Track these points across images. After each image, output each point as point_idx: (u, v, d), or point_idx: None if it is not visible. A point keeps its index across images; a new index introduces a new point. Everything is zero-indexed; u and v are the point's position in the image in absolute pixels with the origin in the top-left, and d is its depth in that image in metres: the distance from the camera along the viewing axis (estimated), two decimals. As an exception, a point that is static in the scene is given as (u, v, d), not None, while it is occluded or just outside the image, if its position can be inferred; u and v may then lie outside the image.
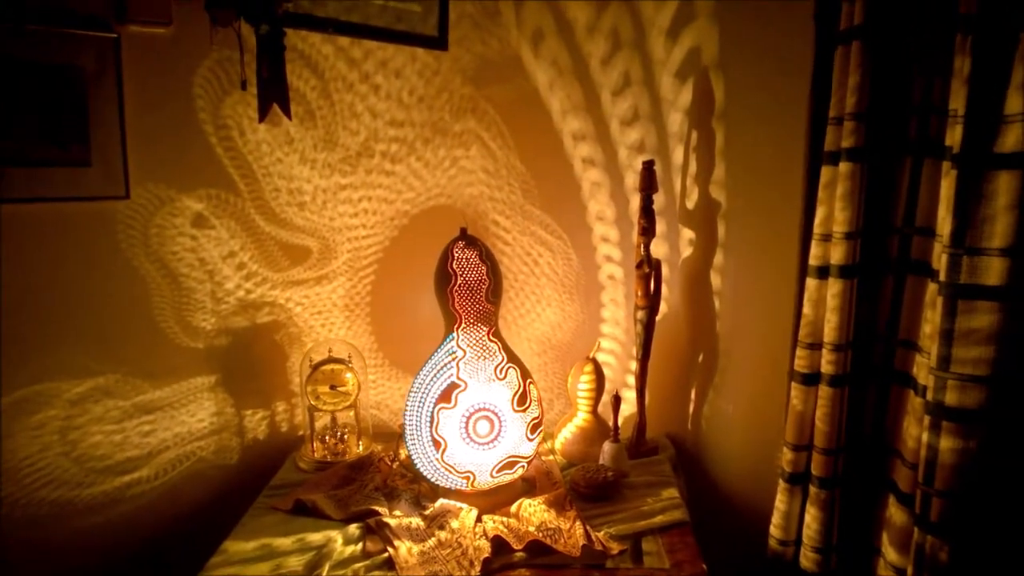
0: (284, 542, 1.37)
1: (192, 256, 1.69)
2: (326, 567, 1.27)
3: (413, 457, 1.46)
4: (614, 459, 1.55)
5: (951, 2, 1.10)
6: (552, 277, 1.88)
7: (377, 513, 1.43)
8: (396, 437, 1.76)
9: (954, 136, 1.08)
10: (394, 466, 1.65)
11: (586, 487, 1.48)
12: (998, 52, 1.04)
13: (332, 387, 1.70)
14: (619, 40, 1.72)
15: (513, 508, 1.44)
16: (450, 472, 1.43)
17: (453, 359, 1.44)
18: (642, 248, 1.60)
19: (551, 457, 1.68)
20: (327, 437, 1.74)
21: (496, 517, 1.41)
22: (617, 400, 1.58)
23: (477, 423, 1.42)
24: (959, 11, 1.08)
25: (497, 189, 1.85)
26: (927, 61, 1.18)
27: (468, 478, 1.44)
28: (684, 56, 1.65)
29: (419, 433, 1.44)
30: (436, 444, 1.42)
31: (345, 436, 1.75)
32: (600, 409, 1.70)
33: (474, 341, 1.44)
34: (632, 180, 1.77)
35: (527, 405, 1.46)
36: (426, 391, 1.44)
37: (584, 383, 1.65)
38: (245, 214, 1.75)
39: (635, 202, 1.76)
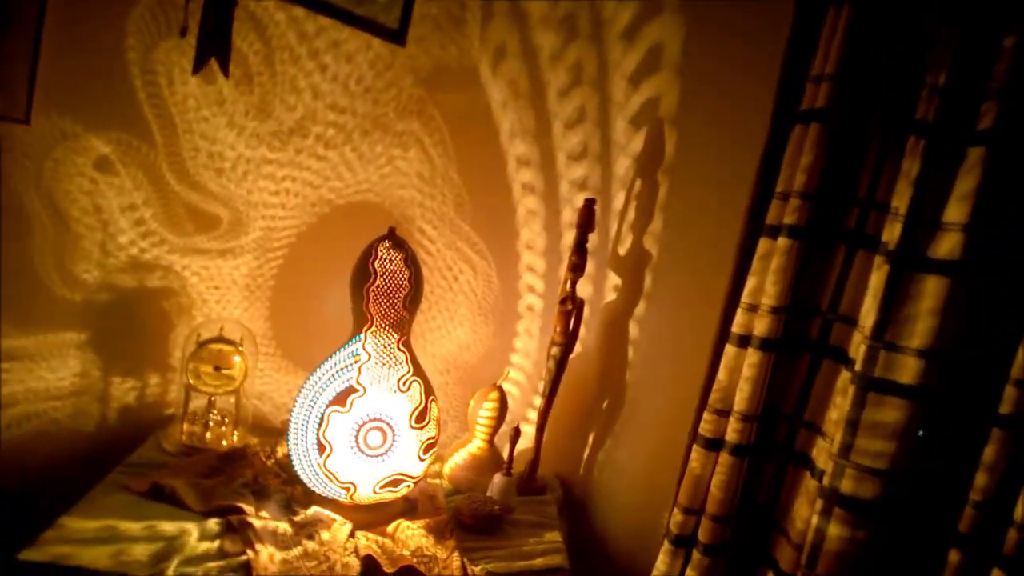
0: (132, 527, 1.24)
1: (87, 200, 1.54)
2: (175, 561, 1.15)
3: (292, 457, 1.36)
4: (503, 493, 1.50)
5: (909, 107, 1.13)
6: (470, 296, 1.82)
7: (242, 511, 1.32)
8: (276, 433, 1.64)
9: (892, 233, 1.10)
10: (269, 463, 1.54)
11: (470, 518, 1.42)
12: (946, 161, 1.07)
13: (217, 368, 1.58)
14: (581, 75, 1.71)
15: (390, 528, 1.37)
16: (330, 480, 1.34)
17: (356, 361, 1.35)
18: (569, 284, 1.57)
19: (437, 481, 1.61)
20: (200, 421, 1.61)
21: (371, 535, 1.33)
22: (517, 433, 1.53)
23: (369, 433, 1.34)
24: (915, 116, 1.12)
25: (429, 197, 1.79)
26: (878, 157, 1.21)
27: (349, 489, 1.35)
28: (642, 103, 1.65)
29: (304, 433, 1.34)
30: (321, 448, 1.33)
31: (221, 423, 1.63)
32: (496, 439, 1.65)
33: (382, 347, 1.37)
34: (569, 215, 1.75)
35: (425, 423, 1.39)
36: (320, 390, 1.35)
37: (487, 410, 1.59)
38: (155, 168, 1.61)
39: (568, 237, 1.74)
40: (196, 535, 1.24)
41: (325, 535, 1.29)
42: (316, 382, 1.36)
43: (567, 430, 1.75)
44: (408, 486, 1.40)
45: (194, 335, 1.61)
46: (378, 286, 1.33)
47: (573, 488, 1.76)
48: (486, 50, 1.72)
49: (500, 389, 1.62)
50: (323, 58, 1.68)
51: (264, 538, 1.25)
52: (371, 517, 1.38)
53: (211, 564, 1.17)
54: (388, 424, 1.35)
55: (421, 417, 1.38)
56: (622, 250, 1.68)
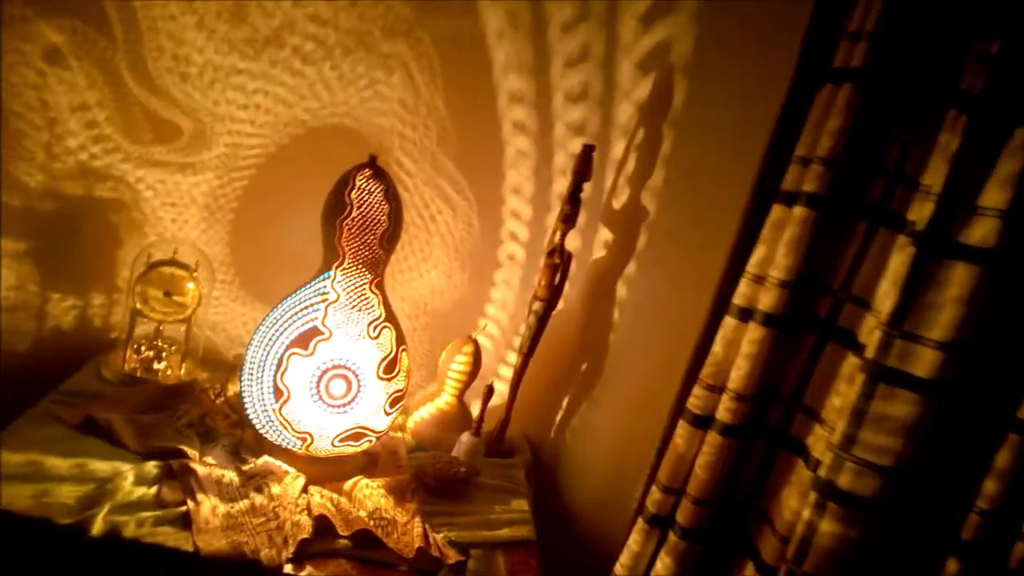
0: (60, 464, 1.13)
1: (33, 95, 1.37)
2: (105, 507, 1.04)
3: (245, 399, 1.25)
4: (469, 454, 1.41)
5: (953, 76, 1.03)
6: (447, 239, 1.70)
7: (184, 455, 1.21)
8: (228, 369, 1.52)
9: (921, 212, 1.01)
10: (218, 401, 1.42)
11: (434, 479, 1.33)
12: (989, 140, 0.97)
13: (167, 294, 1.44)
14: (587, 10, 1.56)
15: (347, 486, 1.27)
16: (285, 428, 1.23)
17: (323, 301, 1.23)
18: (558, 236, 1.46)
19: (400, 435, 1.51)
20: (144, 348, 1.48)
21: (326, 492, 1.23)
22: (490, 391, 1.44)
23: (332, 381, 1.23)
24: (959, 86, 1.01)
25: (411, 127, 1.65)
26: (912, 128, 1.11)
27: (305, 440, 1.24)
28: (652, 47, 1.52)
29: (259, 374, 1.22)
30: (277, 393, 1.21)
31: (166, 353, 1.50)
32: (466, 396, 1.55)
33: (353, 287, 1.25)
34: (562, 160, 1.62)
35: (394, 374, 1.28)
36: (281, 329, 1.23)
37: (459, 363, 1.49)
38: (113, 66, 1.44)
39: (559, 184, 1.62)
40: (131, 478, 1.12)
41: (275, 488, 1.19)
42: (276, 320, 1.23)
43: (541, 390, 1.66)
44: (370, 441, 1.30)
45: (144, 255, 1.46)
46: (353, 219, 1.20)
47: (542, 451, 1.68)
48: (486, -28, 1.57)
49: (475, 342, 1.51)
50: (308, -39, 1.51)
51: (207, 487, 1.14)
52: (327, 471, 1.28)
53: (146, 514, 1.06)
54: (353, 372, 1.23)
55: (390, 368, 1.27)
56: (617, 204, 1.57)
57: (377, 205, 1.21)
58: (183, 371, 1.50)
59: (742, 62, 1.33)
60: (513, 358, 1.58)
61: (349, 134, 1.62)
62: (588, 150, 1.42)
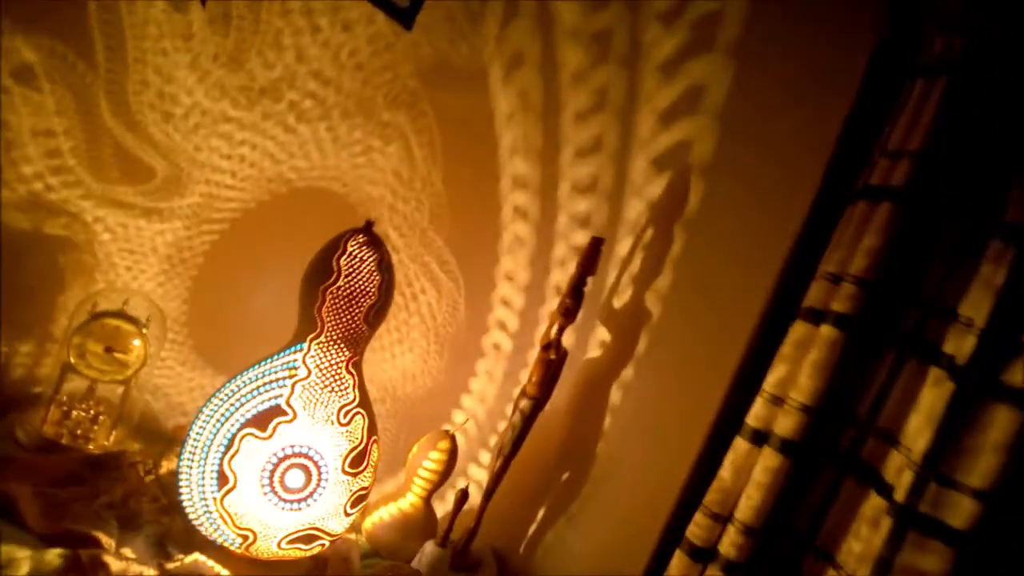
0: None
1: (-9, 112, 1.23)
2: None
3: (181, 481, 1.07)
4: (432, 567, 1.23)
5: (999, 204, 0.97)
6: (427, 320, 1.57)
7: (98, 543, 1.02)
8: (165, 442, 1.34)
9: (960, 346, 0.93)
10: (147, 478, 1.23)
11: (391, 595, 1.15)
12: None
13: (108, 350, 1.27)
14: (604, 101, 1.51)
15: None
16: (225, 521, 1.05)
17: (291, 376, 1.08)
18: (556, 330, 1.34)
19: (353, 536, 1.32)
20: (72, 411, 1.29)
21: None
22: (464, 497, 1.28)
23: (289, 471, 1.06)
24: (1005, 217, 0.96)
25: (403, 200, 1.55)
26: (951, 254, 1.04)
27: (247, 538, 1.06)
28: (670, 145, 1.45)
29: (203, 454, 1.05)
30: (222, 479, 1.04)
31: (97, 417, 1.31)
32: (434, 498, 1.38)
33: (327, 364, 1.10)
34: (562, 251, 1.52)
35: (361, 468, 1.12)
36: (237, 404, 1.07)
37: (432, 462, 1.32)
38: (90, 94, 1.32)
39: (557, 275, 1.51)
40: (26, 568, 0.92)
41: None
42: (233, 392, 1.07)
43: (513, 498, 1.49)
44: (322, 545, 1.12)
45: (89, 303, 1.30)
46: (339, 287, 1.07)
47: (508, 568, 1.50)
48: (501, 54, 1.51)
49: (452, 439, 1.36)
50: (318, 19, 1.44)
51: None
52: None
53: (40, 616, 0.86)
54: (315, 463, 1.07)
55: (358, 461, 1.11)
56: (618, 303, 1.46)
57: (368, 275, 1.08)
58: (111, 440, 1.31)
59: (765, 170, 1.27)
60: (486, 458, 1.42)
61: (336, 199, 1.51)
62: (596, 243, 1.33)
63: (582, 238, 1.42)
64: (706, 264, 1.32)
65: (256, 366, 1.10)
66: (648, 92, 1.48)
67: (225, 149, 1.44)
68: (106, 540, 1.02)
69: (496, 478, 1.33)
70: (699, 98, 1.41)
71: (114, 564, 0.97)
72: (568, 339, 1.49)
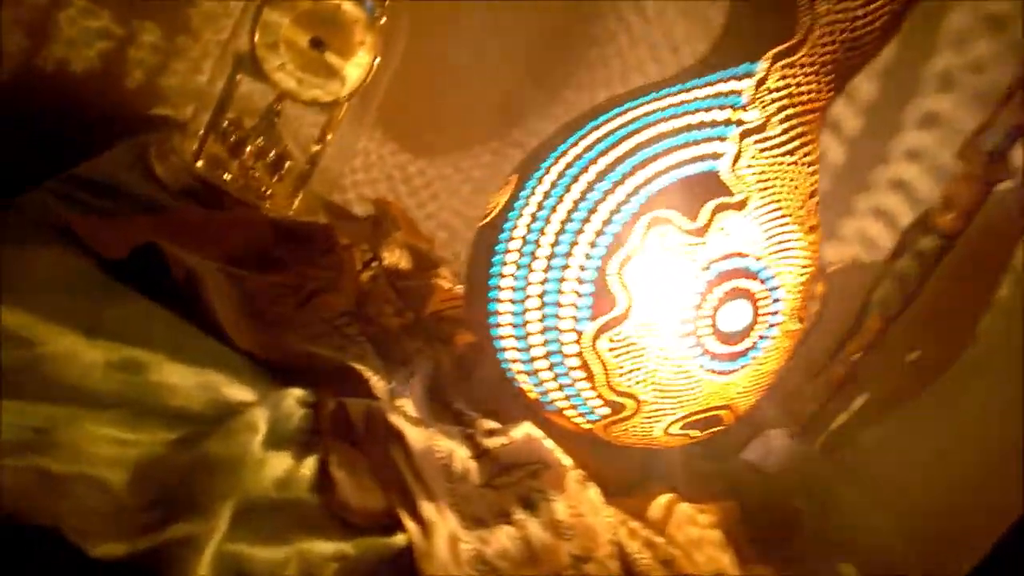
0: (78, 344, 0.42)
1: None
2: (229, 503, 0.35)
3: (497, 291, 0.56)
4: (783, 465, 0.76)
5: None
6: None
7: (366, 386, 0.52)
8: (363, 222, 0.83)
9: None
10: (364, 275, 0.73)
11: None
12: None
13: (317, 44, 0.72)
14: None
15: (654, 510, 0.60)
16: (589, 376, 0.54)
17: (732, 122, 0.54)
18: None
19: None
20: (246, 141, 0.76)
21: (633, 523, 0.57)
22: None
23: (727, 301, 0.54)
24: None
25: None
26: None
27: (619, 409, 0.56)
28: None
29: (557, 244, 0.53)
30: (601, 299, 0.52)
31: (281, 160, 0.78)
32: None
33: (796, 109, 0.56)
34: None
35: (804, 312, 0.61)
36: (631, 156, 0.54)
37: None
38: None
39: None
40: (262, 429, 0.43)
41: (558, 507, 0.51)
42: (617, 131, 0.54)
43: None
44: (718, 431, 0.62)
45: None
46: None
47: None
48: None
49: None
50: None
51: (432, 485, 0.46)
52: (604, 468, 0.61)
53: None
54: (764, 292, 0.55)
55: (806, 296, 0.60)
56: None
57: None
58: (296, 201, 0.79)
59: None
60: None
61: None
62: None
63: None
64: None
65: (662, 87, 0.56)
66: None
67: None
68: (376, 382, 0.52)
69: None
70: None
71: (410, 434, 0.48)
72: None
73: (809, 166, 0.58)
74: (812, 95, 0.57)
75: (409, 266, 0.81)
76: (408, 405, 0.53)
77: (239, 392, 0.46)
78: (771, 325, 0.56)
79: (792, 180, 0.56)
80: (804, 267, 0.58)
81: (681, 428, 0.58)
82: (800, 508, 0.75)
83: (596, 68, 0.98)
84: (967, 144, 0.91)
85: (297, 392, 0.48)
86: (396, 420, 0.48)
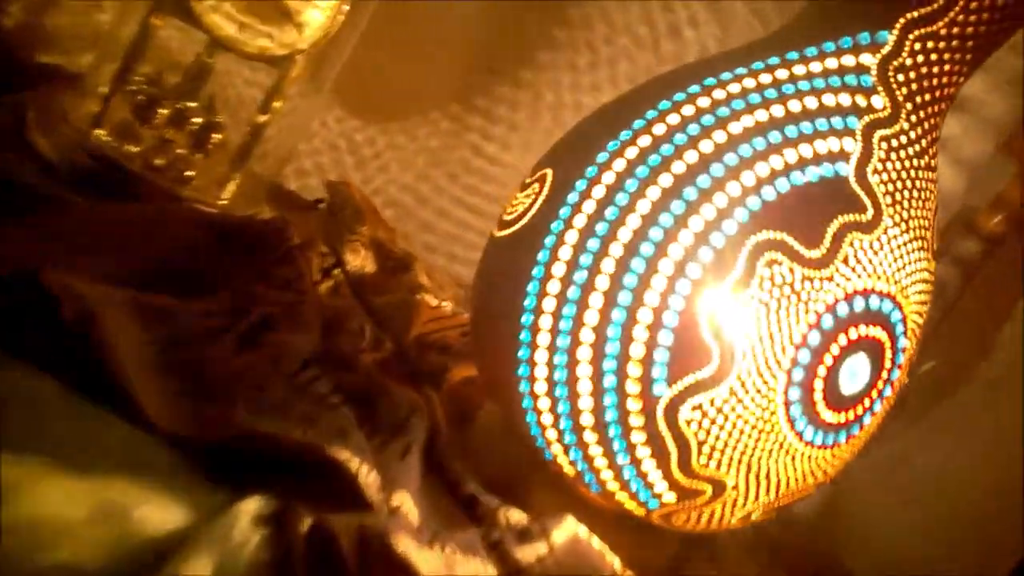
0: None
1: None
2: None
3: (529, 335, 0.40)
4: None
5: None
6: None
7: (352, 482, 0.35)
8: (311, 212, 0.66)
9: None
10: (323, 285, 0.56)
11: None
12: None
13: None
14: None
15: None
16: (659, 454, 0.39)
17: (859, 111, 0.40)
18: None
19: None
20: (158, 104, 0.57)
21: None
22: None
23: (850, 353, 0.40)
24: None
25: None
26: None
27: (695, 494, 0.41)
28: None
29: (615, 279, 0.38)
30: (686, 353, 0.37)
31: (208, 132, 0.60)
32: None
33: (929, 95, 0.42)
34: None
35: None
36: (724, 150, 0.39)
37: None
38: None
39: None
40: (206, 567, 0.26)
41: None
42: (701, 113, 0.39)
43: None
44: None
45: None
46: None
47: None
48: None
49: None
50: None
51: None
52: (641, 553, 0.46)
53: None
54: (889, 338, 0.41)
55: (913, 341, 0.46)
56: None
57: None
58: (230, 188, 0.60)
59: None
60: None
61: None
62: None
63: None
64: None
65: (773, 56, 0.41)
66: None
67: None
68: (366, 477, 0.36)
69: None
70: None
71: (414, 556, 0.32)
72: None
73: (935, 171, 0.44)
74: (948, 78, 0.43)
75: (374, 268, 0.64)
76: (407, 502, 0.37)
77: (160, 516, 0.29)
78: (887, 382, 0.43)
79: (922, 190, 0.43)
80: (925, 304, 0.45)
81: (763, 514, 0.44)
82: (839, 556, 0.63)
83: (575, 26, 0.86)
84: (1014, 137, 0.81)
85: (251, 505, 0.31)
86: (402, 546, 0.32)
